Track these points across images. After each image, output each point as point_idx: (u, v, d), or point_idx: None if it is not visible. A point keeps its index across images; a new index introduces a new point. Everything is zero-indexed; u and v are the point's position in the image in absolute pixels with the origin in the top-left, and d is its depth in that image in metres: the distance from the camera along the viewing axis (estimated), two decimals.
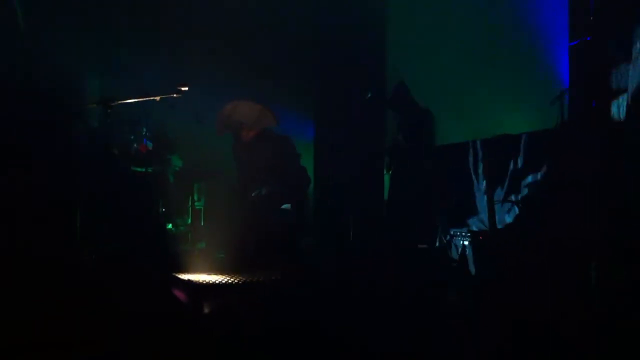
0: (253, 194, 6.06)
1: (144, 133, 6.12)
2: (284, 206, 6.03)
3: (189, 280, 4.84)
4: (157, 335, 3.35)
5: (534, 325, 3.69)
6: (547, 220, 4.77)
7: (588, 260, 4.06)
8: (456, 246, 5.76)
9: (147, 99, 5.55)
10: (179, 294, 4.22)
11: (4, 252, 3.67)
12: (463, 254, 5.60)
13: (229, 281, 4.89)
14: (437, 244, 6.16)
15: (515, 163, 5.90)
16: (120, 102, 5.49)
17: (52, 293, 3.37)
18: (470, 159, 6.37)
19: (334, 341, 3.57)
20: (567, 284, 4.14)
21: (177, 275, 4.96)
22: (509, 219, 5.87)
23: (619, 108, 4.57)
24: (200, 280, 4.94)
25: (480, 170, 6.27)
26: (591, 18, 4.86)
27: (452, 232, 5.91)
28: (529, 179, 5.72)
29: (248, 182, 6.18)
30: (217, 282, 4.89)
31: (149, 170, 6.01)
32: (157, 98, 5.53)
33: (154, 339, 3.32)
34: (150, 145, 6.14)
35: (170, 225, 6.07)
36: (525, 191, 5.72)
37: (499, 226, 5.88)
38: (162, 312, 3.59)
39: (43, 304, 3.31)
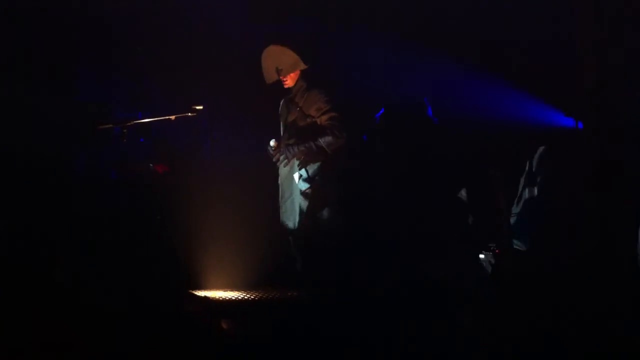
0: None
1: (159, 153, 6.19)
2: None
3: (205, 297, 4.86)
4: (157, 336, 3.38)
5: (534, 326, 3.66)
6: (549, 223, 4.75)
7: (588, 260, 4.05)
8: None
9: (162, 118, 5.68)
10: (196, 310, 4.25)
11: (4, 252, 3.75)
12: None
13: (246, 297, 4.90)
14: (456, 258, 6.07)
15: (529, 176, 5.85)
16: (135, 122, 5.63)
17: (52, 293, 3.42)
18: (487, 173, 6.29)
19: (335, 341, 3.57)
20: (569, 284, 4.11)
21: (193, 292, 4.99)
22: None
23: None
24: (217, 297, 4.96)
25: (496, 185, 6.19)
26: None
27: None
28: (542, 191, 5.67)
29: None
30: (234, 298, 4.90)
31: (166, 189, 6.07)
32: (173, 117, 5.65)
33: (154, 339, 3.34)
34: (166, 165, 6.21)
35: (186, 242, 6.11)
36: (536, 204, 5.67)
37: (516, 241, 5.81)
38: (162, 313, 3.62)
39: (43, 304, 3.37)
